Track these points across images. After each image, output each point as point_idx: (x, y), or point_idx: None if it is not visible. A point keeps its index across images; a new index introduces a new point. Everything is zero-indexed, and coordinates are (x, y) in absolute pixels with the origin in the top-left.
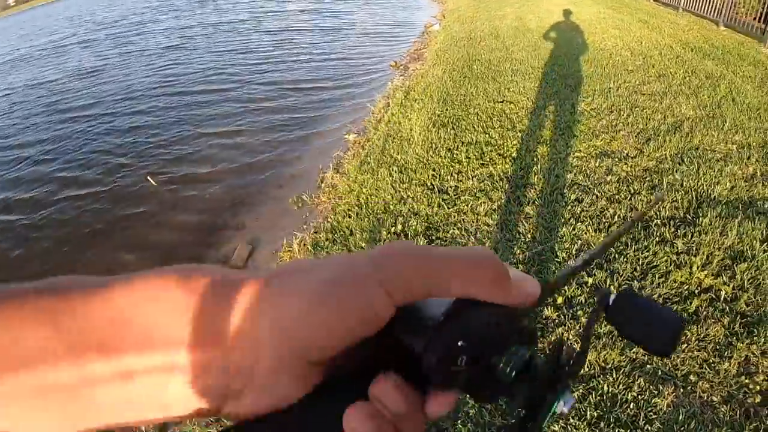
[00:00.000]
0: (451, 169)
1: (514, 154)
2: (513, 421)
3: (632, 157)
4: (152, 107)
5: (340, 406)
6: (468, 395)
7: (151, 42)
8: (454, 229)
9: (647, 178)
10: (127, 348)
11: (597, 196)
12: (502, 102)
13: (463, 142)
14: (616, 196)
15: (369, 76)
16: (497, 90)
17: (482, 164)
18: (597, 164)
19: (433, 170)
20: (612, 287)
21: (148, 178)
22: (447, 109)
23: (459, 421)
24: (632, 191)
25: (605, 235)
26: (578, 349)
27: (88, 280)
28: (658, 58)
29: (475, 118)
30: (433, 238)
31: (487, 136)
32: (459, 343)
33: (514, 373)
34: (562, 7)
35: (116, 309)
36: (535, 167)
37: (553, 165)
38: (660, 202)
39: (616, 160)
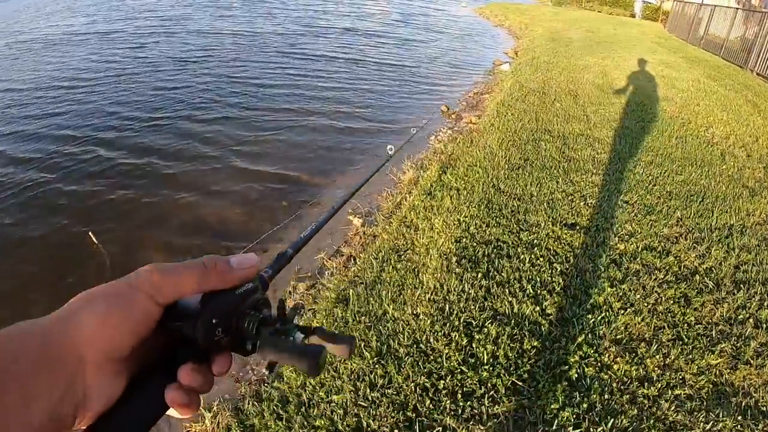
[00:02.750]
0: (461, 378)
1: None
2: (269, 358)
3: None
4: None
5: (156, 387)
6: (235, 353)
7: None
8: None
9: None
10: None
11: None
12: (573, 228)
13: (495, 314)
14: None
15: (412, 121)
16: (569, 197)
17: (515, 381)
18: None
19: (430, 374)
20: None
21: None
22: (487, 226)
23: None
24: None
25: None
26: (291, 306)
27: None
28: None
29: (527, 258)
30: None
31: (536, 307)
32: (213, 321)
33: (255, 329)
34: (653, 66)
35: None
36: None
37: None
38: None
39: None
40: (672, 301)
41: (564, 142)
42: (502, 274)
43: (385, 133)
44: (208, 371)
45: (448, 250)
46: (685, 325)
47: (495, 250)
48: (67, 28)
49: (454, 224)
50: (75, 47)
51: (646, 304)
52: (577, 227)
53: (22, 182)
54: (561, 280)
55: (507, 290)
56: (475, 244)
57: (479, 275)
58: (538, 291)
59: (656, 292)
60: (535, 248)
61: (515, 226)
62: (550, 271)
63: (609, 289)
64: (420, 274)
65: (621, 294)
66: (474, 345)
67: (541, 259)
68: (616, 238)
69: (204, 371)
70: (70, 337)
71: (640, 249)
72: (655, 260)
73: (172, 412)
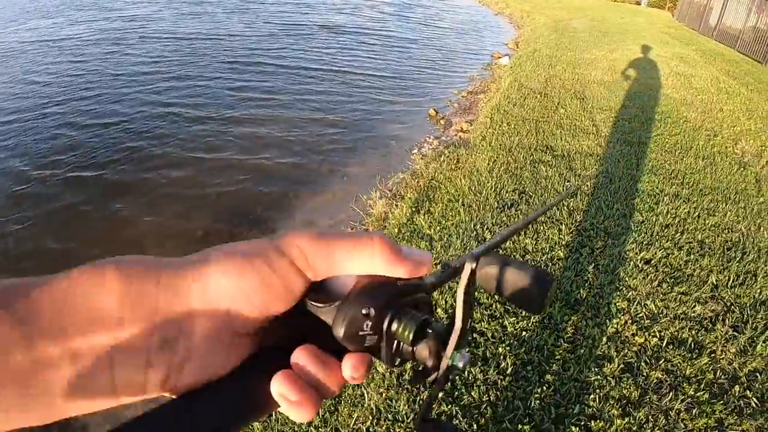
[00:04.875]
0: None
1: None
2: (419, 376)
3: None
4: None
5: (269, 374)
6: (377, 358)
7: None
8: None
9: None
10: (73, 330)
11: None
12: (576, 309)
13: None
14: None
15: (395, 130)
16: (574, 254)
17: None
18: None
19: None
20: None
21: None
22: None
23: None
24: None
25: None
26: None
27: (32, 279)
28: None
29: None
30: None
31: None
32: (362, 312)
33: (411, 336)
34: (666, 60)
35: (60, 296)
36: None
37: None
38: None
39: None
40: None
41: (569, 165)
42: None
43: (358, 150)
44: (335, 367)
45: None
46: None
47: (469, 344)
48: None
49: None
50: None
51: None
52: (583, 306)
53: None
54: (553, 409)
55: None
56: None
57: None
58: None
59: (683, 421)
60: (524, 346)
61: (498, 306)
62: (540, 386)
63: (619, 422)
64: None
65: (636, 428)
66: None
67: (529, 369)
68: (634, 326)
69: (328, 365)
70: (195, 290)
71: (664, 344)
72: (683, 364)
73: (285, 410)
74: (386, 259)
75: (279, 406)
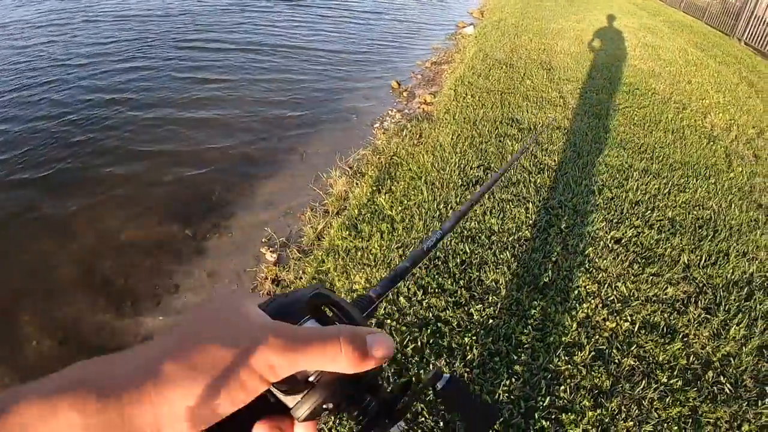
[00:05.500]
0: None
1: None
2: None
3: None
4: None
5: None
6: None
7: None
8: None
9: None
10: None
11: None
12: (544, 292)
13: None
14: None
15: (356, 104)
16: (542, 234)
17: None
18: None
19: None
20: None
21: None
22: (424, 293)
23: None
24: None
25: None
26: (407, 399)
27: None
28: None
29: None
30: None
31: None
32: (324, 406)
33: (369, 420)
34: (634, 31)
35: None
36: None
37: None
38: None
39: None
40: (676, 425)
41: (535, 138)
42: None
43: (317, 127)
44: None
45: None
46: None
47: (433, 335)
48: None
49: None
50: None
51: None
52: (552, 290)
53: None
54: (522, 403)
55: None
56: (404, 325)
57: None
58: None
59: (656, 411)
60: (491, 335)
61: (464, 292)
62: (509, 378)
63: (591, 413)
64: None
65: (608, 420)
66: None
67: (497, 360)
68: (605, 311)
69: (285, 429)
70: (151, 414)
71: (636, 329)
72: (656, 350)
73: None
74: (353, 365)
75: None
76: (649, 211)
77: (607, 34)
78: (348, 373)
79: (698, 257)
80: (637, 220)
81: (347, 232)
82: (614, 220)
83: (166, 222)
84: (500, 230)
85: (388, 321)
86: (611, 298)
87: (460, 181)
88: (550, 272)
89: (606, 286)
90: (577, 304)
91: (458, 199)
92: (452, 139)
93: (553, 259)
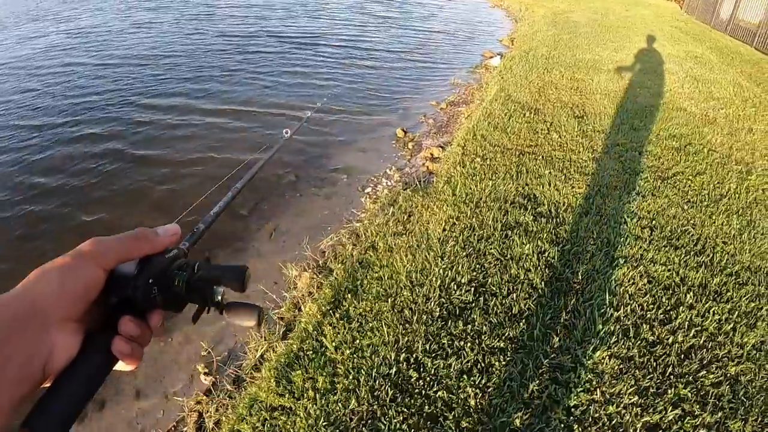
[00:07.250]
0: None
1: None
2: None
3: None
4: None
5: (105, 341)
6: (169, 310)
7: None
8: None
9: None
10: None
11: None
12: None
13: None
14: None
15: (353, 155)
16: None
17: None
18: None
19: None
20: None
21: None
22: None
23: None
24: None
25: None
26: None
27: None
28: None
29: None
30: None
31: None
32: (149, 281)
33: (183, 288)
34: (679, 61)
35: None
36: None
37: None
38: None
39: None
40: None
41: (555, 232)
42: None
43: (298, 192)
44: (145, 325)
45: None
46: None
47: None
48: None
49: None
50: None
51: None
52: None
53: None
54: None
55: None
56: None
57: None
58: None
59: None
60: None
61: None
62: None
63: None
64: None
65: None
66: None
67: None
68: None
69: (141, 325)
70: (35, 303)
71: None
72: None
73: (120, 366)
74: (148, 242)
75: (117, 362)
76: (703, 370)
77: (650, 66)
78: (155, 253)
79: None
80: (685, 389)
81: (275, 383)
82: (651, 391)
83: None
84: (492, 412)
85: None
86: None
87: (438, 310)
88: None
89: None
90: None
91: (429, 345)
92: (444, 230)
93: None
